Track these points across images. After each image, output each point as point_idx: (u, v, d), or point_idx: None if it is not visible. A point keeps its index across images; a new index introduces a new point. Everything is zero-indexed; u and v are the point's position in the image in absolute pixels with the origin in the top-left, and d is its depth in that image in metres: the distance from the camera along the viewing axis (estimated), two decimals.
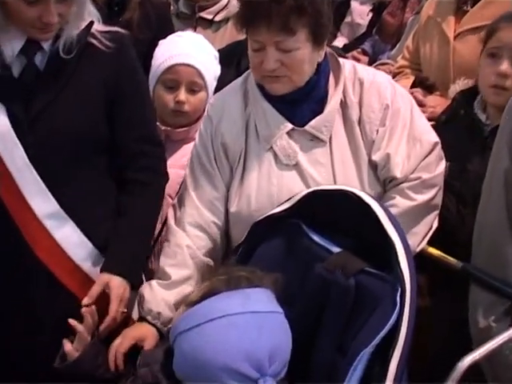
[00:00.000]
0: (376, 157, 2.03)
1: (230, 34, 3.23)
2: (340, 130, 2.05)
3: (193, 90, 2.41)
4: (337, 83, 2.06)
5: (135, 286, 2.04)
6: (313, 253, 1.80)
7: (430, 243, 2.10)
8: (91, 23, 1.99)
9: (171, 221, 2.15)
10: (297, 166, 2.04)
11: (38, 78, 1.95)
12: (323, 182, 2.01)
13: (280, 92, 2.02)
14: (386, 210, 1.72)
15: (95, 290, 1.94)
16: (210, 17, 3.33)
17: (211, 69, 2.49)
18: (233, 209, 2.09)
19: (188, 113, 2.42)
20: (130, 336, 1.92)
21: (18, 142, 1.92)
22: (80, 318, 1.96)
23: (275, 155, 2.06)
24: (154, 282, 2.03)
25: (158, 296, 1.99)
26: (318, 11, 1.93)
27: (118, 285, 1.96)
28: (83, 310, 1.90)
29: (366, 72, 2.11)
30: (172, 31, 2.86)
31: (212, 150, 2.12)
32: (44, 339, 2.00)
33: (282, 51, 1.94)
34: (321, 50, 2.01)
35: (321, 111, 2.04)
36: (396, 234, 1.65)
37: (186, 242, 2.07)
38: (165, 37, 2.63)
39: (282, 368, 1.58)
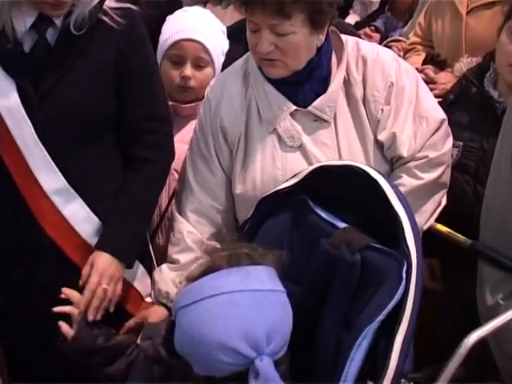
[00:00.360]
0: (382, 136, 1.99)
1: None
2: (344, 109, 2.02)
3: (199, 65, 2.39)
4: (339, 62, 2.02)
5: (130, 265, 2.04)
6: (319, 228, 1.79)
7: (441, 222, 2.07)
8: (103, 0, 1.96)
9: (174, 207, 2.15)
10: (301, 148, 2.01)
11: (49, 53, 1.94)
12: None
13: (276, 76, 1.99)
14: (392, 185, 1.70)
15: (85, 270, 1.95)
16: None
17: (218, 44, 2.46)
18: (238, 191, 2.07)
19: (194, 88, 2.40)
20: (140, 314, 1.96)
21: (27, 118, 1.92)
22: None
23: (279, 137, 2.02)
24: (164, 266, 2.06)
25: (166, 277, 2.02)
26: None
27: (103, 261, 1.96)
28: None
29: (370, 49, 2.06)
30: (180, 7, 2.83)
31: (210, 134, 2.10)
32: (51, 314, 2.00)
33: (276, 34, 1.90)
34: (320, 35, 1.96)
35: (324, 91, 2.00)
36: (403, 209, 1.63)
37: (188, 229, 2.08)
38: (173, 13, 2.61)
39: (281, 347, 1.57)
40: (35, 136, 1.93)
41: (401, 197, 1.66)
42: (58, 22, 1.94)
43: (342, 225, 1.75)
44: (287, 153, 2.02)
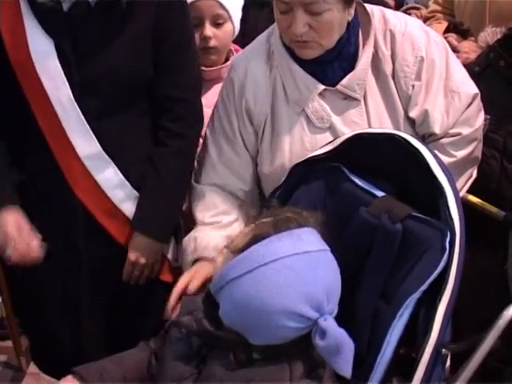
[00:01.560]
0: (413, 113, 1.96)
1: None
2: (373, 85, 1.97)
3: (217, 23, 2.34)
4: (367, 36, 1.95)
5: (165, 241, 2.08)
6: (356, 196, 1.76)
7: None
8: None
9: (195, 178, 2.11)
10: (331, 128, 1.97)
11: (89, 14, 1.89)
12: None
13: (310, 57, 1.92)
14: (435, 155, 1.68)
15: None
16: None
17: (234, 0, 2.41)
18: (266, 171, 2.04)
19: (216, 47, 2.36)
20: (200, 275, 1.87)
21: (65, 79, 1.88)
22: (118, 261, 1.99)
23: (307, 118, 1.98)
24: (201, 227, 1.99)
25: (210, 233, 1.96)
26: None
27: (134, 248, 2.00)
28: None
29: (398, 20, 1.98)
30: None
31: (235, 116, 2.04)
32: (82, 279, 2.00)
33: (310, 14, 1.82)
34: (351, 9, 1.89)
35: (352, 68, 1.95)
36: (446, 179, 1.61)
37: (221, 195, 2.04)
38: None
39: (335, 306, 1.56)
40: (72, 98, 1.90)
41: (443, 167, 1.64)
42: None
43: (379, 193, 1.73)
44: (316, 134, 1.97)
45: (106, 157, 1.96)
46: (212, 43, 2.34)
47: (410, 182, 1.72)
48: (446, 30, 2.96)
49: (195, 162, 2.14)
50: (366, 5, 1.99)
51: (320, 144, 1.93)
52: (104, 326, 2.11)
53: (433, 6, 3.23)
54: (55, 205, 1.99)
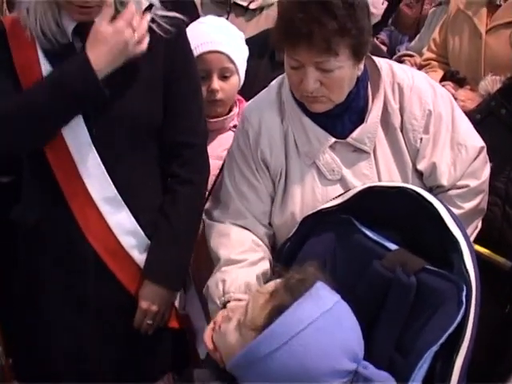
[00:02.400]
0: (421, 165, 1.99)
1: (264, 23, 3.17)
2: (382, 138, 2.00)
3: (225, 76, 2.37)
4: (377, 90, 1.99)
5: (177, 289, 2.08)
6: (368, 249, 1.79)
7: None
8: (150, 6, 1.95)
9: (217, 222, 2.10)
10: (341, 180, 2.00)
11: None
12: None
13: (320, 111, 1.95)
14: (447, 208, 1.71)
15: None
16: (244, 4, 3.25)
17: (239, 51, 2.44)
18: (277, 223, 2.06)
19: (222, 100, 2.39)
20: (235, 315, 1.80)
21: (82, 121, 1.90)
22: (125, 307, 1.99)
23: (318, 170, 2.00)
24: (224, 268, 1.96)
25: (239, 273, 1.93)
26: (361, 30, 1.84)
27: (145, 296, 2.00)
28: None
29: (405, 74, 2.02)
30: (193, 14, 2.80)
31: (253, 163, 2.06)
32: (90, 325, 2.00)
33: (322, 71, 1.86)
34: (360, 64, 1.93)
35: (361, 121, 1.98)
36: (460, 232, 1.64)
37: (249, 233, 2.04)
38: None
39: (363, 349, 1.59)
40: (89, 140, 1.91)
41: (457, 220, 1.67)
42: None
43: (392, 246, 1.76)
44: (328, 186, 2.00)
45: (121, 200, 1.97)
46: (219, 96, 2.37)
47: (421, 234, 1.75)
48: (443, 79, 3.02)
49: (216, 201, 2.14)
50: (374, 57, 2.04)
51: (331, 196, 1.96)
52: (109, 369, 2.09)
53: (427, 54, 3.30)
54: (65, 248, 1.99)
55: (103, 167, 1.93)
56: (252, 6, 3.27)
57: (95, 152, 1.92)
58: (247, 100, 2.35)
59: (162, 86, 1.99)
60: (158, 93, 1.99)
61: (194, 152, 2.09)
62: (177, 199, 2.05)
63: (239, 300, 1.86)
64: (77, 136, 1.91)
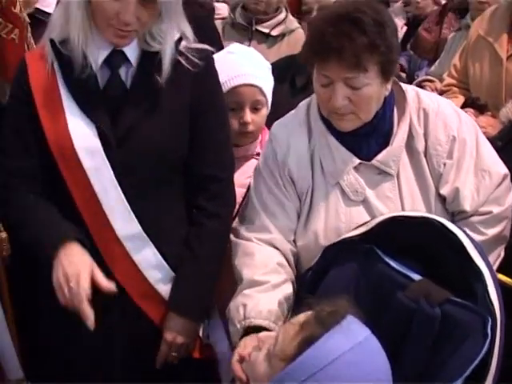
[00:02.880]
0: (444, 190, 2.00)
1: (285, 50, 3.21)
2: (406, 162, 2.02)
3: (256, 108, 2.38)
4: (402, 114, 2.01)
5: (201, 321, 2.08)
6: (391, 279, 1.78)
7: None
8: (180, 39, 1.96)
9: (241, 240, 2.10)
10: (364, 202, 2.01)
11: (125, 93, 1.93)
12: None
13: (348, 129, 1.98)
14: (471, 238, 1.71)
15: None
16: (266, 31, 3.30)
17: (269, 82, 2.46)
18: (299, 242, 2.07)
19: (253, 132, 2.40)
20: (249, 348, 1.80)
21: (106, 160, 1.90)
22: (151, 338, 1.98)
23: (342, 191, 2.02)
24: (247, 291, 1.94)
25: (261, 298, 1.91)
26: (390, 47, 1.88)
27: (170, 329, 2.00)
28: None
29: (430, 100, 2.05)
30: (214, 39, 2.82)
31: (281, 179, 2.08)
32: (115, 355, 2.01)
33: (351, 88, 1.89)
34: (388, 84, 1.96)
35: (386, 144, 2.00)
36: (484, 264, 1.64)
37: (272, 253, 2.03)
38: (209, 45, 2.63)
39: None
40: (114, 178, 1.91)
41: (480, 251, 1.67)
42: (132, 59, 1.94)
43: (415, 276, 1.75)
44: (351, 207, 2.01)
45: (146, 237, 1.96)
46: (250, 128, 2.37)
47: (444, 264, 1.75)
48: (464, 105, 3.02)
49: (243, 218, 2.14)
50: (401, 83, 2.07)
51: (354, 216, 1.98)
52: None
53: (448, 80, 3.31)
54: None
55: (126, 203, 1.93)
56: (274, 33, 3.30)
57: (118, 187, 1.92)
58: (268, 126, 2.37)
59: (188, 120, 1.99)
60: (183, 127, 1.99)
61: (222, 186, 2.09)
62: (203, 233, 2.05)
63: (259, 326, 1.86)
64: (99, 172, 1.91)
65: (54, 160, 1.93)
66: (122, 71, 1.94)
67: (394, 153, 1.99)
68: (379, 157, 2.00)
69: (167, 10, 1.89)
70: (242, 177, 2.37)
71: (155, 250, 1.99)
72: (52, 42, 1.91)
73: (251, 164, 2.38)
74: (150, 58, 1.94)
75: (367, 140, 2.01)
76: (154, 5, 1.85)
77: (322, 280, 1.92)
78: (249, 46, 3.19)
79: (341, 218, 2.01)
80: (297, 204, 2.07)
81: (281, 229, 2.06)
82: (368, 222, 1.90)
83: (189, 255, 2.03)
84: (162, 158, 1.96)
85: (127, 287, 1.97)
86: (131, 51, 1.94)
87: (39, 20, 2.68)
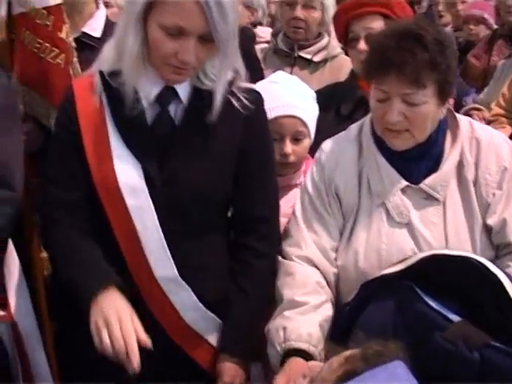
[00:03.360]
0: (491, 221, 1.96)
1: (328, 76, 3.19)
2: (454, 189, 2.00)
3: (297, 139, 2.36)
4: (454, 141, 2.01)
5: (252, 360, 2.03)
6: (429, 319, 1.73)
7: None
8: (233, 80, 1.92)
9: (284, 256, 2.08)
10: (408, 225, 1.99)
11: (173, 131, 1.90)
12: (435, 242, 1.95)
13: (400, 148, 1.97)
14: None
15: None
16: (308, 56, 3.26)
17: (312, 113, 2.43)
18: (339, 262, 2.05)
19: (294, 163, 2.37)
20: (296, 374, 1.79)
21: (150, 200, 1.87)
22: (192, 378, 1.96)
23: (387, 212, 2.01)
24: (287, 313, 1.93)
25: (301, 321, 1.90)
26: (449, 67, 1.90)
27: (225, 372, 1.95)
28: None
29: (483, 131, 2.04)
30: (254, 66, 2.81)
31: (326, 196, 2.07)
32: None
33: (407, 104, 1.89)
34: (443, 107, 1.97)
35: (435, 169, 1.99)
36: None
37: (312, 272, 2.02)
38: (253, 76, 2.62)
39: None
40: (156, 220, 1.87)
41: None
42: (183, 97, 1.91)
43: (454, 317, 1.70)
44: (394, 228, 1.99)
45: (183, 283, 1.93)
46: (291, 159, 2.35)
47: (483, 305, 1.70)
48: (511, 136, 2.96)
49: (285, 235, 2.12)
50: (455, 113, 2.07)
51: (396, 238, 1.96)
52: None
53: (496, 109, 3.25)
54: None
55: (166, 246, 1.89)
56: (316, 59, 3.27)
57: (159, 229, 1.88)
58: (311, 154, 2.35)
59: (235, 162, 1.95)
60: (230, 169, 1.95)
61: (270, 226, 2.06)
62: (253, 273, 2.02)
63: (299, 349, 1.86)
64: (142, 212, 1.87)
65: (98, 194, 1.90)
66: (172, 108, 1.91)
67: (442, 178, 1.98)
68: (427, 181, 1.98)
69: (224, 48, 1.84)
70: (286, 206, 2.33)
71: (191, 294, 1.94)
72: (102, 74, 1.89)
73: (294, 193, 2.35)
74: (201, 96, 1.90)
75: (417, 163, 2.00)
76: (212, 43, 1.81)
77: (360, 315, 1.89)
78: (291, 72, 3.18)
79: (382, 239, 1.99)
80: (340, 222, 2.07)
81: (321, 247, 2.05)
82: (406, 259, 1.86)
83: (240, 296, 2.00)
84: (207, 199, 1.93)
85: (164, 324, 1.94)
86: (182, 88, 1.91)
87: (86, 44, 2.72)
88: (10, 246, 2.15)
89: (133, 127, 1.87)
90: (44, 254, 2.66)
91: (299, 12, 3.25)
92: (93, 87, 1.90)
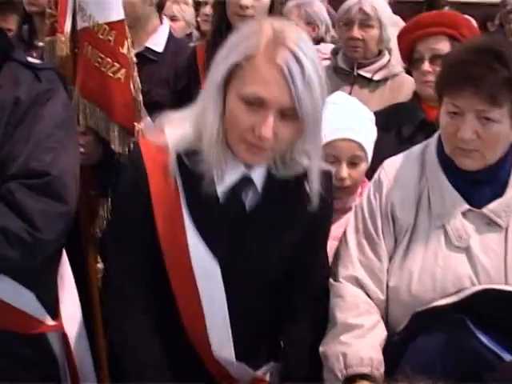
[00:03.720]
0: None
1: (388, 94, 3.13)
2: None
3: (354, 162, 2.31)
4: None
5: None
6: (481, 356, 1.70)
7: None
8: (311, 168, 1.83)
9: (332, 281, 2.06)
10: (467, 250, 1.91)
11: (246, 216, 1.83)
12: (493, 270, 1.88)
13: (470, 168, 1.90)
14: None
15: None
16: (368, 75, 3.21)
17: (371, 137, 2.37)
18: (392, 283, 1.99)
19: (350, 187, 2.32)
20: None
21: (223, 286, 1.83)
22: None
23: (445, 234, 1.94)
24: (343, 337, 1.90)
25: (359, 346, 1.87)
26: None
27: None
28: None
29: None
30: None
31: (380, 217, 2.03)
32: None
33: (481, 122, 1.83)
34: None
35: (501, 194, 1.92)
36: None
37: (361, 293, 1.99)
38: None
39: None
40: (225, 302, 1.84)
41: None
42: (258, 183, 1.82)
43: (507, 356, 1.66)
44: (451, 252, 1.93)
45: (240, 364, 1.92)
46: (347, 183, 2.30)
47: None
48: None
49: (336, 256, 2.10)
50: None
51: (453, 263, 1.90)
52: None
53: None
54: None
55: (229, 329, 1.86)
56: (376, 77, 3.22)
57: (227, 316, 1.85)
58: (368, 177, 2.31)
59: (299, 241, 1.91)
60: (297, 250, 1.92)
61: (324, 281, 2.05)
62: (303, 330, 2.00)
63: (362, 374, 1.83)
64: (213, 296, 1.84)
65: (168, 275, 1.85)
66: (246, 194, 1.83)
67: (507, 204, 1.91)
68: (491, 206, 1.92)
69: (310, 132, 1.71)
70: (338, 230, 2.28)
71: (246, 367, 1.95)
72: (179, 157, 1.79)
73: (347, 218, 2.29)
74: (276, 185, 1.83)
75: (482, 186, 1.93)
76: (293, 122, 1.67)
77: (409, 346, 1.85)
78: (351, 90, 3.15)
79: (438, 262, 1.92)
80: (391, 244, 2.01)
81: (369, 269, 2.00)
82: (459, 291, 1.82)
83: (291, 353, 2.00)
84: (275, 281, 1.93)
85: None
86: (258, 175, 1.82)
87: (148, 58, 2.75)
88: (64, 257, 2.18)
89: (207, 212, 1.80)
90: (99, 265, 2.71)
91: (356, 31, 3.22)
92: (166, 167, 1.78)
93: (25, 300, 1.97)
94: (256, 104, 1.65)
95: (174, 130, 1.81)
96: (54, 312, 2.08)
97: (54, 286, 2.11)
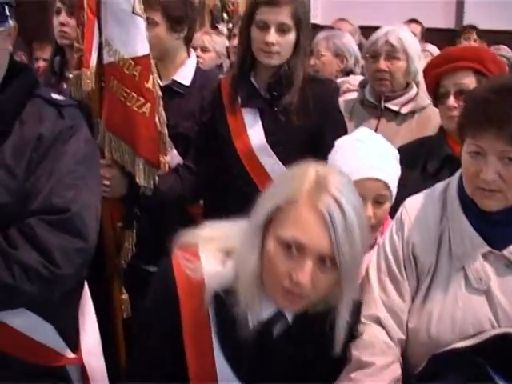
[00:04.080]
0: None
1: (415, 128, 3.11)
2: None
3: (379, 201, 2.26)
4: None
5: None
6: None
7: None
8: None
9: None
10: (487, 292, 1.89)
11: (273, 345, 1.80)
12: None
13: (492, 209, 1.88)
14: None
15: None
16: (396, 108, 3.19)
17: (395, 176, 2.33)
18: (411, 325, 1.96)
19: (374, 226, 2.27)
20: None
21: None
22: None
23: (465, 276, 1.91)
24: (353, 375, 1.86)
25: (367, 381, 1.84)
26: None
27: None
28: None
29: None
30: (337, 120, 2.78)
31: (402, 258, 2.00)
32: None
33: (503, 162, 1.81)
34: None
35: None
36: None
37: (378, 331, 1.95)
38: (331, 127, 2.61)
39: None
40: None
41: None
42: (289, 316, 1.79)
43: None
44: (472, 294, 1.90)
45: None
46: (371, 223, 2.23)
47: None
48: None
49: None
50: None
51: (473, 305, 1.87)
52: None
53: None
54: None
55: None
56: (403, 111, 3.19)
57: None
58: (391, 213, 2.29)
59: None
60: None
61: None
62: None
63: None
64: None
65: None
66: (276, 326, 1.81)
67: None
68: (511, 248, 1.89)
69: (347, 280, 1.69)
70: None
71: None
72: (217, 296, 1.76)
73: (370, 255, 2.27)
74: (308, 319, 1.78)
75: (502, 228, 1.91)
76: (332, 270, 1.65)
77: None
78: (378, 123, 3.14)
79: (458, 304, 1.90)
80: (413, 284, 1.99)
81: (391, 309, 1.97)
82: (479, 333, 1.79)
83: None
84: None
85: None
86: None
87: (175, 92, 2.77)
88: (86, 289, 2.19)
89: (237, 346, 1.78)
90: (124, 297, 2.73)
91: (383, 64, 3.21)
92: (200, 296, 1.77)
93: (44, 333, 1.98)
94: (294, 249, 1.63)
95: (210, 259, 1.80)
96: (74, 345, 2.09)
97: (75, 319, 2.12)
